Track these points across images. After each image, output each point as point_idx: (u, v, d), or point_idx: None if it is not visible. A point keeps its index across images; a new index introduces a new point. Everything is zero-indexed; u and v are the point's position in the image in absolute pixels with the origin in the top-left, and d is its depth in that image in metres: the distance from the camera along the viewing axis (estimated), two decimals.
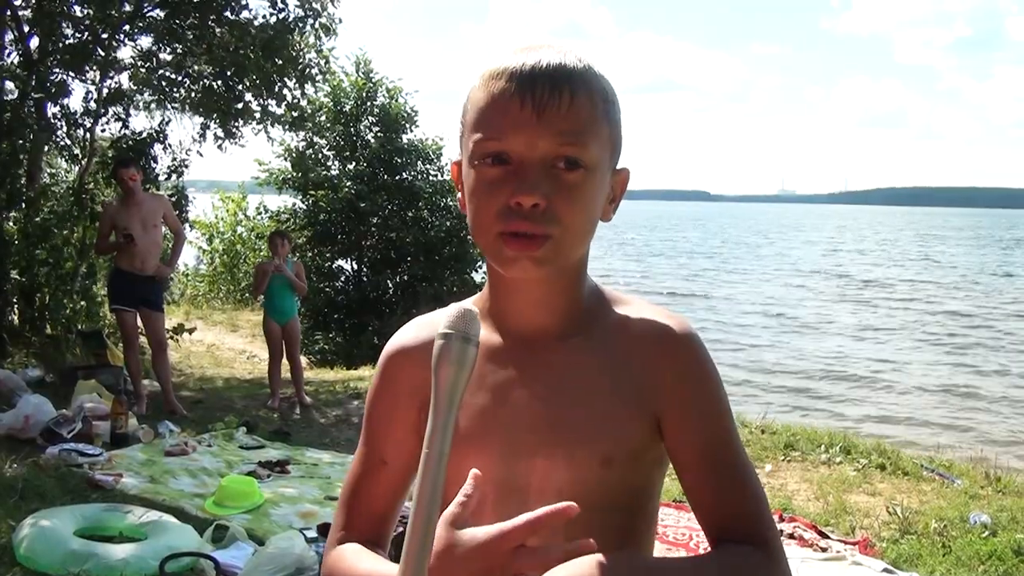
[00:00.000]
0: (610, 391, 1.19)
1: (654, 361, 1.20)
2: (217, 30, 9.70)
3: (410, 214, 16.49)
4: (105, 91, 10.04)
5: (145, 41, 10.18)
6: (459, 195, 1.23)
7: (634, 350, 1.21)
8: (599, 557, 1.04)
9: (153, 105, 10.67)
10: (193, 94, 10.33)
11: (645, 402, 1.19)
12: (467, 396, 1.19)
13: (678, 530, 5.19)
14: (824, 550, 4.94)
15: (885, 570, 4.66)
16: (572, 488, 1.16)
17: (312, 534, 4.68)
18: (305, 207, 16.83)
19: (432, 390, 1.03)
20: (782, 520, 5.36)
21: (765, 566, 1.14)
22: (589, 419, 1.18)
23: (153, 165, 10.51)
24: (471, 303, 1.26)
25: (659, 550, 4.76)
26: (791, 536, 5.13)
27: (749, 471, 1.21)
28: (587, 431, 1.17)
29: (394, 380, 1.30)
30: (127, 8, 9.65)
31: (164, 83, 10.30)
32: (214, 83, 10.31)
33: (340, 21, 10.64)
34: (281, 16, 10.02)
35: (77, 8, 9.54)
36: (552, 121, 1.10)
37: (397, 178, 16.61)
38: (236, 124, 10.55)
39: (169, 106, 10.58)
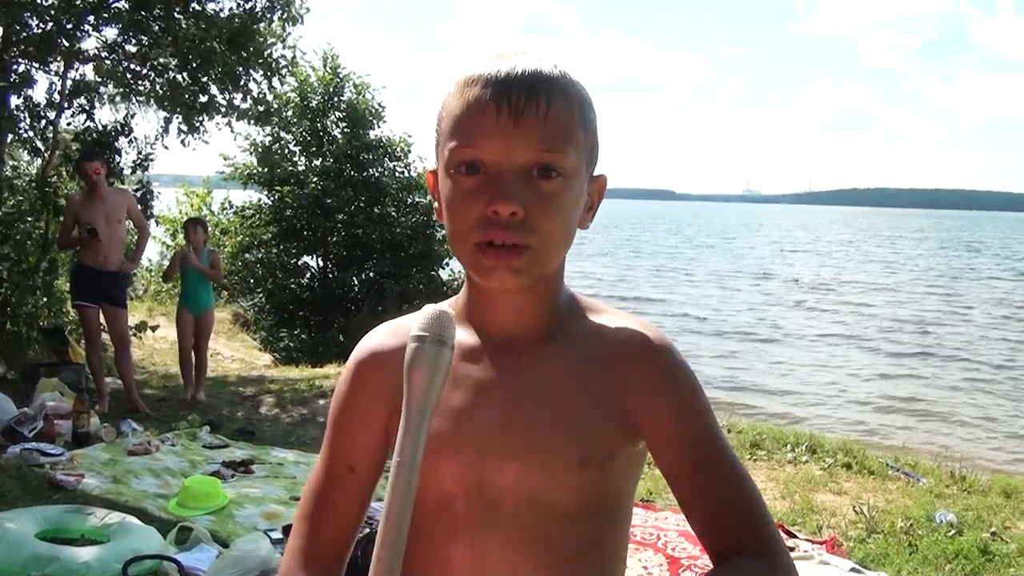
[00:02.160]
0: (586, 394, 1.18)
1: (630, 370, 1.19)
2: (183, 21, 9.59)
3: (376, 211, 16.45)
4: (69, 83, 9.90)
5: (110, 32, 10.03)
6: (435, 205, 1.21)
7: (610, 357, 1.19)
8: None
9: (118, 98, 10.52)
10: (158, 87, 10.20)
11: (622, 409, 1.18)
12: (442, 397, 1.18)
13: (645, 530, 5.18)
14: (791, 549, 4.95)
15: (853, 569, 4.67)
16: (546, 492, 1.15)
17: (277, 535, 4.63)
18: (271, 203, 16.76)
19: (404, 395, 1.01)
20: None
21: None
22: (565, 422, 1.16)
23: (117, 159, 10.38)
24: (448, 305, 1.25)
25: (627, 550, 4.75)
26: None
27: (742, 476, 1.18)
28: (563, 434, 1.16)
29: (364, 384, 1.27)
30: None
31: (129, 75, 10.16)
32: (179, 76, 10.19)
33: (308, 10, 10.55)
34: (248, 6, 9.92)
35: None
36: (529, 128, 1.08)
37: (364, 174, 16.56)
38: (200, 118, 10.43)
39: (134, 99, 10.44)
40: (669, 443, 1.17)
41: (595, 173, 1.21)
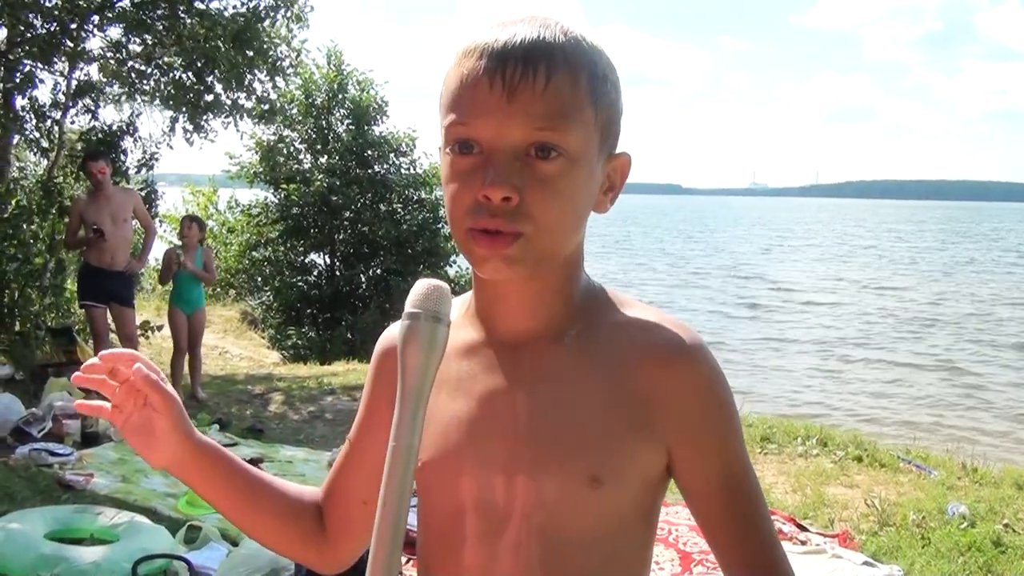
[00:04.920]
0: (604, 401, 1.09)
1: (659, 373, 1.09)
2: (187, 20, 9.58)
3: (382, 208, 16.47)
4: (74, 83, 9.90)
5: (115, 32, 10.05)
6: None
7: (636, 359, 1.10)
8: None
9: (123, 97, 10.53)
10: (163, 86, 10.20)
11: (649, 421, 1.09)
12: (446, 400, 1.12)
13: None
14: (804, 543, 4.93)
15: (865, 563, 4.64)
16: (556, 510, 1.08)
17: None
18: (277, 201, 16.76)
19: (399, 376, 0.95)
20: None
21: None
22: (578, 432, 1.08)
23: (123, 158, 10.39)
24: (459, 297, 1.20)
25: None
26: None
27: (763, 508, 1.14)
28: (575, 446, 1.08)
29: (378, 372, 1.25)
30: None
31: (133, 75, 10.17)
32: (183, 75, 10.19)
33: (312, 9, 10.53)
34: (251, 5, 9.90)
35: None
36: (524, 104, 0.99)
37: (369, 171, 16.57)
38: (205, 117, 10.43)
39: (139, 98, 10.45)
40: (699, 458, 1.12)
41: (617, 151, 1.11)
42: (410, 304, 0.96)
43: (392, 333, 1.24)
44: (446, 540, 1.14)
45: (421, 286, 0.97)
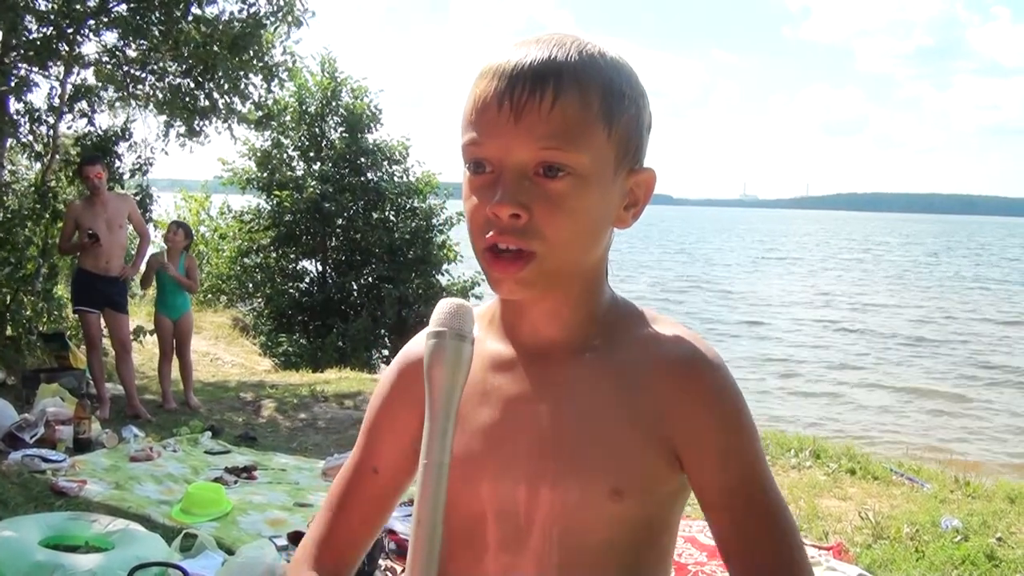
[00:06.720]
0: (624, 415, 1.10)
1: (671, 385, 1.10)
2: (184, 26, 9.55)
3: (375, 215, 16.48)
4: (69, 87, 9.86)
5: (111, 37, 10.01)
6: None
7: (653, 373, 1.11)
8: None
9: (118, 102, 10.49)
10: (158, 91, 10.17)
11: (662, 430, 1.10)
12: (470, 410, 1.13)
13: None
14: None
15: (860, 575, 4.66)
16: (578, 521, 1.09)
17: (282, 542, 4.60)
18: (270, 207, 16.74)
19: (426, 395, 0.98)
20: None
21: None
22: (599, 445, 1.09)
23: (118, 163, 10.35)
24: (483, 307, 1.22)
25: None
26: None
27: (785, 516, 1.11)
28: (596, 458, 1.09)
29: (400, 389, 1.24)
30: (92, 3, 9.48)
31: (129, 80, 10.13)
32: (179, 80, 10.16)
33: (313, 14, 10.50)
34: (251, 11, 9.87)
35: (41, 2, 9.37)
36: (531, 124, 1.00)
37: (362, 179, 16.59)
38: (201, 123, 10.39)
39: (134, 103, 10.41)
40: (711, 473, 1.11)
41: (641, 167, 1.12)
42: (435, 323, 0.99)
43: (412, 346, 1.25)
44: (467, 548, 1.15)
45: (444, 305, 1.00)
